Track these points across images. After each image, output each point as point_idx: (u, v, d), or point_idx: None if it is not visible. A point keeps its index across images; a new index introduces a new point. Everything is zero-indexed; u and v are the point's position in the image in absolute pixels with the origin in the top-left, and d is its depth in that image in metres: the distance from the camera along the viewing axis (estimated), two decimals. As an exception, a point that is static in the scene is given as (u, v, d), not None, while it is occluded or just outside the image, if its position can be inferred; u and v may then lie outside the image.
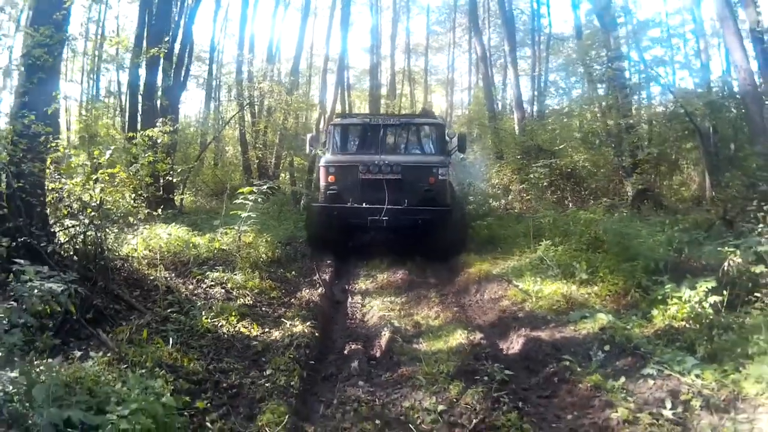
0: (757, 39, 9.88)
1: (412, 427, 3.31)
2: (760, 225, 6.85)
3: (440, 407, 3.53)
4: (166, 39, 12.45)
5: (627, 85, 15.06)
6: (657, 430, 3.15)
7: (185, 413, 3.40)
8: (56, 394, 3.19)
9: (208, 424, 3.28)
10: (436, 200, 8.72)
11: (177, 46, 14.70)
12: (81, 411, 3.11)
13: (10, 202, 5.26)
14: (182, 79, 15.54)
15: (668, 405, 3.50)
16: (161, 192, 10.88)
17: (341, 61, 19.95)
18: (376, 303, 6.72)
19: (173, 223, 9.44)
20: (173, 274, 6.95)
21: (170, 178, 11.28)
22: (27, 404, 3.09)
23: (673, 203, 13.38)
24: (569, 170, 12.94)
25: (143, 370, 3.73)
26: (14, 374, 3.10)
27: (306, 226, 9.84)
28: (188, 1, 15.71)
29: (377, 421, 3.32)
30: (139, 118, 13.71)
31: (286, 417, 3.23)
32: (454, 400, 3.57)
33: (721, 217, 8.34)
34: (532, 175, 12.66)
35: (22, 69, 5.80)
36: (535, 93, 24.89)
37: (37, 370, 3.38)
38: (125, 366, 3.82)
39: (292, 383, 3.84)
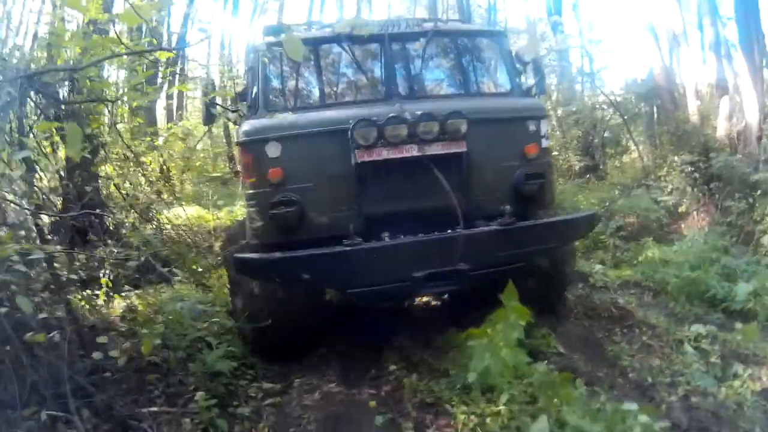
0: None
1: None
2: (669, 186, 9.06)
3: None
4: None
5: (573, 77, 17.33)
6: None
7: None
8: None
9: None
10: (539, 198, 4.16)
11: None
12: (197, 305, 4.83)
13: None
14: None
15: (579, 286, 5.52)
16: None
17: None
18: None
19: (182, 203, 10.96)
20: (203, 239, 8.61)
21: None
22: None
23: (616, 177, 15.23)
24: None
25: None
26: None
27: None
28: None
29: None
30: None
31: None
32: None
33: (638, 182, 10.50)
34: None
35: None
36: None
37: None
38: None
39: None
